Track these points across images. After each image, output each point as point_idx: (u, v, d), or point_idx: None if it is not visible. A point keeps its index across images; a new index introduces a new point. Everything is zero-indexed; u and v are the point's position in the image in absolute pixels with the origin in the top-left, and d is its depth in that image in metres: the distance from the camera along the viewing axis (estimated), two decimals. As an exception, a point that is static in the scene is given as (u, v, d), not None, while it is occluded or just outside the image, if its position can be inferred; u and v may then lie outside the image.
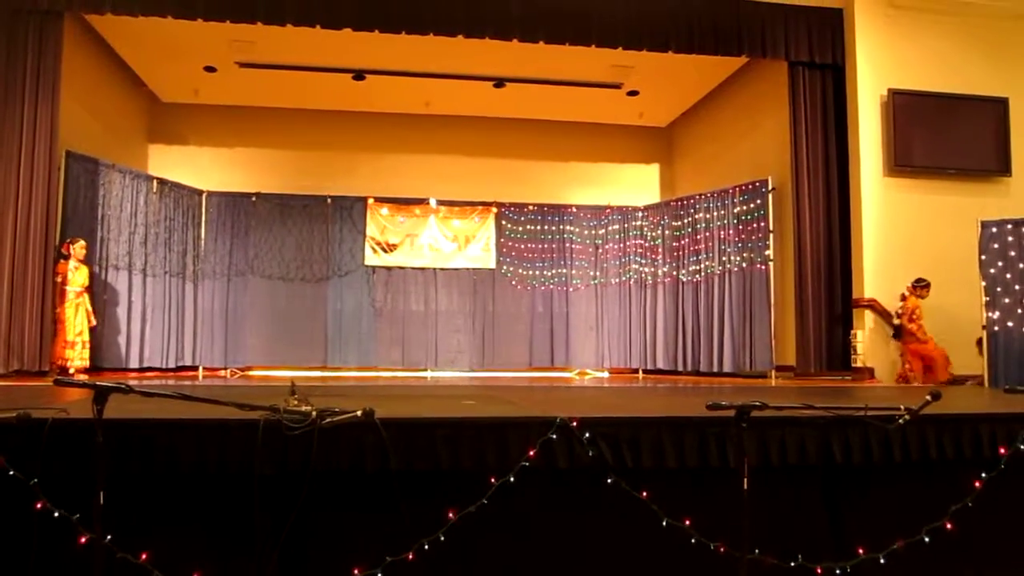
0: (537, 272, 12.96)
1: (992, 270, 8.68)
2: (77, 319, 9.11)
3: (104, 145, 10.81)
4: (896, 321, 9.34)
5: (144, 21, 9.44)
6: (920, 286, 9.21)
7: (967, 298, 8.90)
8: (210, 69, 11.74)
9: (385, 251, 12.64)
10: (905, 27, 10.10)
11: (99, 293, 9.82)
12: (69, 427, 2.87)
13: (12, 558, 2.84)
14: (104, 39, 10.86)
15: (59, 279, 9.06)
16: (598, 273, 13.05)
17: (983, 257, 8.71)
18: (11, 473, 2.79)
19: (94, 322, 9.39)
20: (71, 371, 8.90)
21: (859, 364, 9.59)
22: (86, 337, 9.22)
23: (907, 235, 9.73)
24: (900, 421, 3.08)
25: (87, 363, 9.25)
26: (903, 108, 9.85)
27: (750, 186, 11.18)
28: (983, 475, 3.51)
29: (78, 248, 9.24)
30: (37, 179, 8.90)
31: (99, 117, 11.07)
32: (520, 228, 12.99)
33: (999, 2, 10.09)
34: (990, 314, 8.63)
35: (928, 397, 2.99)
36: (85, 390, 2.43)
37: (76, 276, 9.17)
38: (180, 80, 12.19)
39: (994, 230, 8.73)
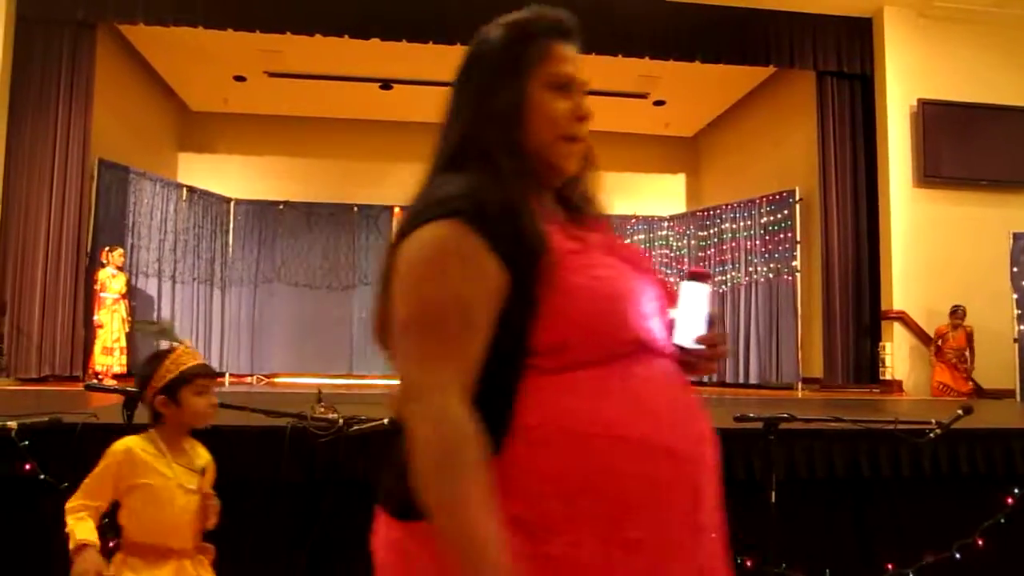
0: (562, 281, 12.91)
1: (1024, 282, 8.58)
2: (114, 325, 9.21)
3: (135, 153, 10.95)
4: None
5: (175, 31, 9.59)
6: (950, 313, 9.18)
7: (998, 311, 8.79)
8: (239, 78, 11.87)
9: (410, 260, 12.65)
10: (935, 37, 10.01)
11: (129, 299, 9.93)
12: (99, 432, 2.90)
13: (40, 562, 2.87)
14: (136, 49, 11.02)
15: (97, 286, 9.18)
16: (623, 283, 12.98)
17: (1015, 269, 8.61)
18: (42, 477, 2.83)
19: (128, 327, 9.49)
20: (100, 377, 8.98)
21: (888, 377, 9.48)
22: (123, 343, 9.28)
23: (936, 247, 9.61)
24: (931, 435, 3.05)
25: (125, 369, 9.33)
26: (932, 118, 9.75)
27: (777, 196, 11.11)
28: (1015, 491, 3.45)
29: (116, 256, 9.35)
30: (70, 187, 9.05)
31: (130, 126, 11.22)
32: (545, 237, 12.96)
33: (1032, 12, 9.98)
34: (1022, 327, 8.51)
35: (959, 411, 2.96)
36: (115, 395, 2.47)
37: (113, 283, 9.26)
38: (210, 89, 12.33)
39: (1026, 242, 8.63)
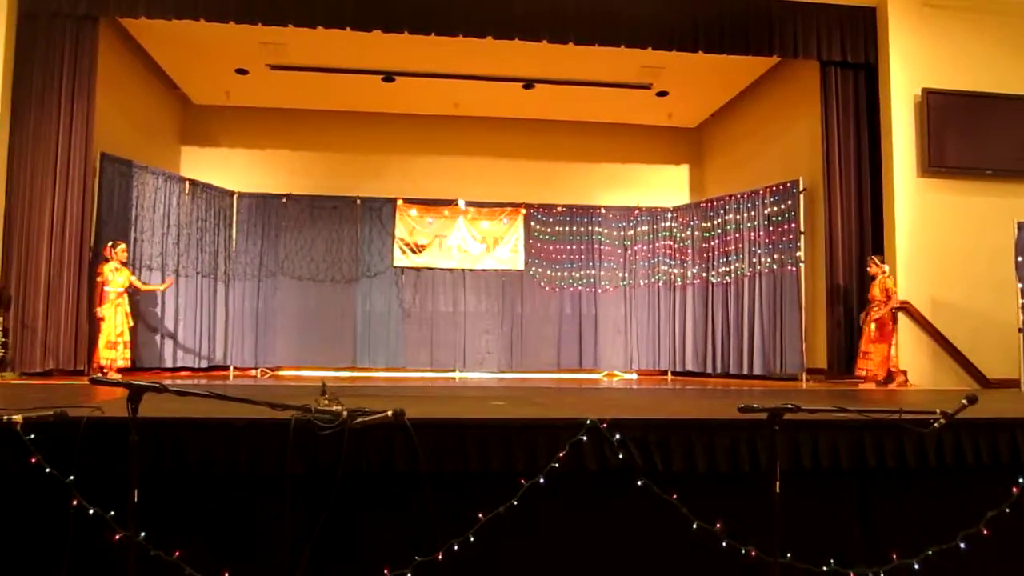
0: (566, 273, 12.94)
1: (1029, 272, 8.54)
2: (118, 319, 9.24)
3: (138, 147, 10.95)
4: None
5: (177, 24, 9.56)
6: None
7: (1003, 301, 8.76)
8: (241, 71, 11.85)
9: (414, 252, 12.69)
10: (939, 26, 9.96)
11: (133, 293, 9.95)
12: (104, 426, 2.91)
13: (48, 555, 2.88)
14: (138, 42, 11.01)
15: (100, 280, 9.21)
16: (627, 275, 13.01)
17: (1020, 258, 8.58)
18: (47, 471, 2.83)
19: (132, 322, 9.51)
20: (105, 371, 9.01)
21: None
22: (127, 337, 9.33)
23: (941, 236, 9.58)
24: (935, 425, 3.03)
25: (129, 363, 9.37)
26: (937, 108, 9.71)
27: (781, 187, 11.08)
28: (1021, 481, 3.44)
29: (119, 251, 9.38)
30: (73, 181, 9.05)
31: (133, 120, 11.21)
32: (548, 229, 12.98)
33: (1037, 0, 9.92)
34: (1027, 317, 8.49)
35: (964, 401, 2.95)
36: (120, 389, 2.46)
37: (116, 278, 9.29)
38: (212, 82, 12.32)
39: (1031, 231, 8.59)
